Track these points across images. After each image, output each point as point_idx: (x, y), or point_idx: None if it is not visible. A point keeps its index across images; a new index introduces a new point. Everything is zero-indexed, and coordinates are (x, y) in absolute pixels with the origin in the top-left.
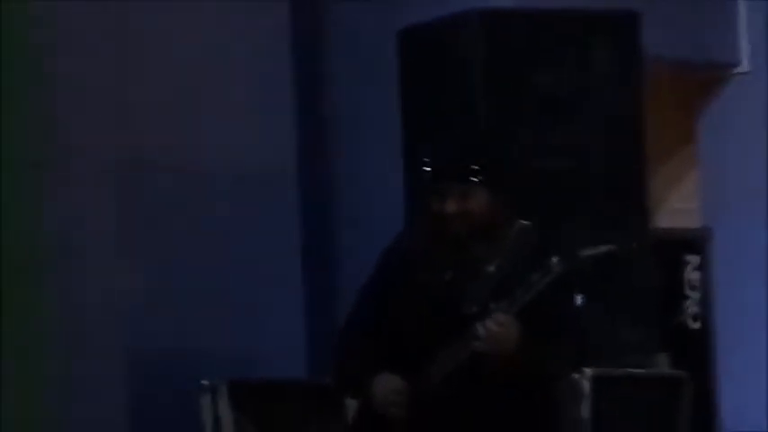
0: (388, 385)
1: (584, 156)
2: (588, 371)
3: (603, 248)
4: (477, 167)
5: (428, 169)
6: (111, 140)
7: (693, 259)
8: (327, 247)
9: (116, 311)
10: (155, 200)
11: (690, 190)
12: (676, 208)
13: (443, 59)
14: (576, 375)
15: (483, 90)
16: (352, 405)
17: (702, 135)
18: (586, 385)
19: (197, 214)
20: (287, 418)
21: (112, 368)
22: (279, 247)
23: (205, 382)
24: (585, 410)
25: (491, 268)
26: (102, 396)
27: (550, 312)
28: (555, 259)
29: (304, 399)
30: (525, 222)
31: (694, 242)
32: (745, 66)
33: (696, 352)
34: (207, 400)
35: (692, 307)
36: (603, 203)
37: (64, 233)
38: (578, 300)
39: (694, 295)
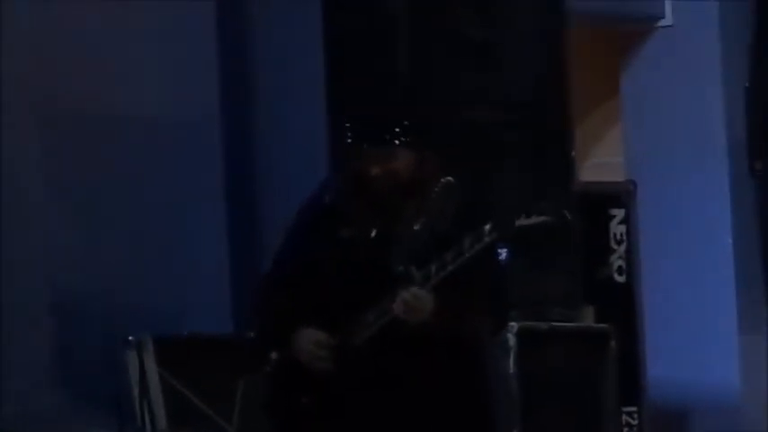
0: (312, 339)
1: (508, 109)
2: (514, 325)
3: (539, 219)
4: (399, 129)
5: (351, 133)
6: (35, 91)
7: (618, 213)
8: (252, 199)
9: (42, 267)
10: (79, 150)
11: (614, 144)
12: (600, 162)
13: (367, 13)
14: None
15: (407, 43)
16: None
17: (626, 89)
18: (512, 339)
19: (122, 167)
20: (212, 373)
21: (38, 323)
22: (203, 198)
23: (131, 338)
24: (511, 365)
25: (416, 226)
26: (27, 351)
27: (477, 274)
28: (488, 227)
29: (229, 353)
30: (450, 179)
31: (619, 196)
32: (668, 19)
33: (621, 305)
34: (133, 355)
35: (617, 260)
36: (528, 157)
37: None
38: (502, 254)
39: (619, 249)
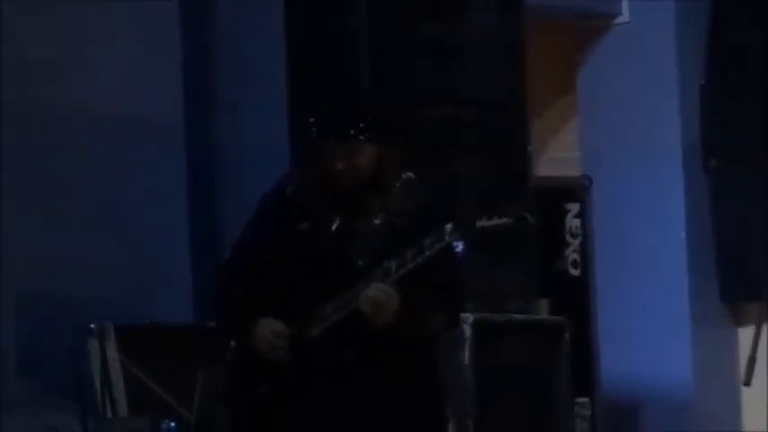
0: (271, 329)
1: (465, 105)
2: (469, 316)
3: (500, 221)
4: (362, 125)
5: (314, 129)
6: None
7: (573, 207)
8: (213, 191)
9: (2, 254)
10: (41, 142)
11: (569, 139)
12: (556, 157)
13: (328, 12)
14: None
15: (367, 41)
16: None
17: (582, 85)
18: (467, 330)
19: (84, 158)
20: (173, 362)
21: None
22: (165, 192)
23: (92, 326)
24: (466, 356)
25: (377, 221)
26: None
27: (436, 272)
28: (449, 227)
29: (191, 342)
30: (411, 175)
31: (574, 190)
32: (625, 16)
33: (576, 298)
34: (94, 343)
35: (572, 254)
36: (485, 152)
37: None
38: (459, 247)
39: (574, 243)
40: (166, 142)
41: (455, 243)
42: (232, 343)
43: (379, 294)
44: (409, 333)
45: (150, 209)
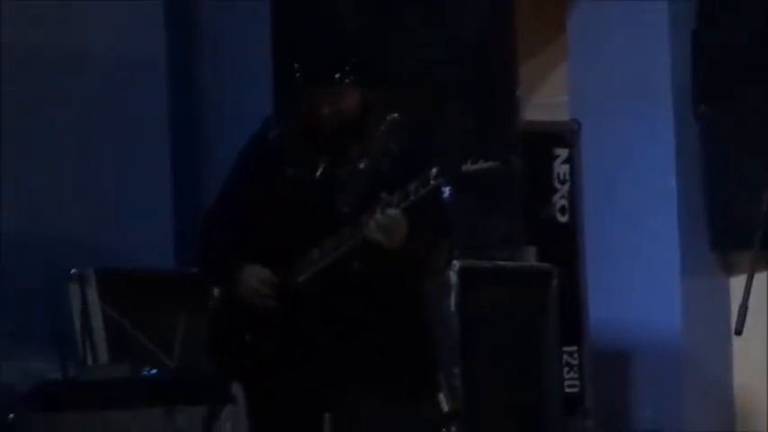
0: (258, 276)
1: (453, 48)
2: (456, 263)
3: (485, 164)
4: (347, 68)
5: (298, 73)
6: None
7: (562, 152)
8: (196, 135)
9: None
10: (21, 83)
11: (559, 83)
12: (545, 102)
13: None
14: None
15: None
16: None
17: (572, 28)
18: (454, 278)
19: (65, 99)
20: (155, 308)
21: None
22: (147, 135)
23: (74, 271)
24: (452, 303)
25: (361, 166)
26: None
27: (426, 210)
28: (434, 171)
29: (172, 288)
30: (396, 116)
31: (563, 135)
32: None
33: (564, 245)
34: (75, 288)
35: (560, 200)
36: (473, 96)
37: None
38: (446, 192)
39: (563, 189)
40: (148, 84)
41: (441, 188)
42: (215, 290)
43: (384, 219)
44: (418, 258)
45: (132, 152)
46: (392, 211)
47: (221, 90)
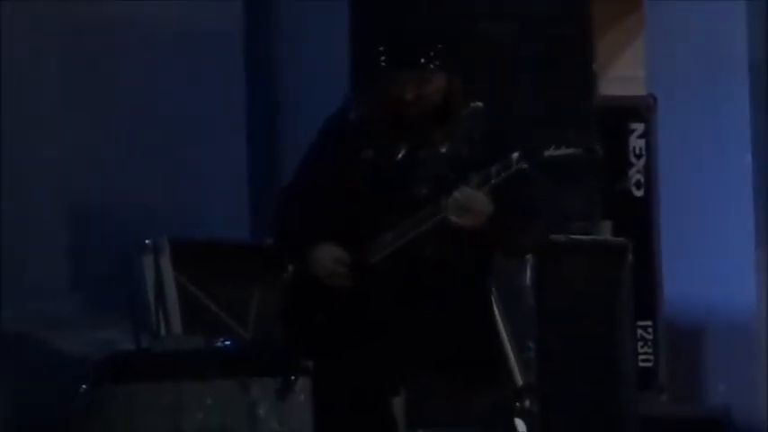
0: (332, 254)
1: (528, 20)
2: None
3: (568, 150)
4: (432, 54)
5: (383, 57)
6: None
7: (638, 127)
8: (272, 108)
9: (59, 167)
10: (97, 56)
11: (635, 57)
12: (621, 76)
13: None
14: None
15: None
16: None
17: (649, 2)
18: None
19: (142, 71)
20: (228, 279)
21: (55, 225)
22: (224, 107)
23: (148, 241)
24: (527, 277)
25: (443, 150)
26: (44, 255)
27: (513, 193)
28: (516, 155)
29: (247, 260)
30: (479, 104)
31: (639, 110)
32: None
33: (639, 220)
34: (149, 258)
35: (635, 175)
36: (548, 71)
37: (5, 88)
38: (523, 166)
39: (638, 163)
40: (226, 57)
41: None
42: (290, 266)
43: (464, 198)
44: (502, 240)
45: (208, 123)
46: (469, 190)
47: (299, 63)
